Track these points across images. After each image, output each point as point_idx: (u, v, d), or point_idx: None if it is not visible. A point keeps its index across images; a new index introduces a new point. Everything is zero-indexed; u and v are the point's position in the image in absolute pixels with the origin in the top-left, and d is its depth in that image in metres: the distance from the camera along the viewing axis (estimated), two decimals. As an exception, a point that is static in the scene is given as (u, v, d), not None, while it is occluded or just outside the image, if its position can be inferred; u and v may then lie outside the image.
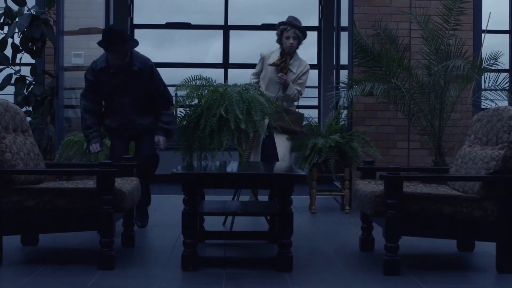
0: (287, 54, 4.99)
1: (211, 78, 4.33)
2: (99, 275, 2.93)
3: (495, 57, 5.65)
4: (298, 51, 5.10)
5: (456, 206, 3.00)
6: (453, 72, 5.41)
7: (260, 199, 4.60)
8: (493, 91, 5.91)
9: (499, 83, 5.87)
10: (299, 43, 5.03)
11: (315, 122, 5.49)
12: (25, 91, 5.86)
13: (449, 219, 3.01)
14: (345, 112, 5.53)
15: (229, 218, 4.43)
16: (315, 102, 8.29)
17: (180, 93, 4.19)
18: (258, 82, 5.09)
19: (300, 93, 5.05)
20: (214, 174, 3.18)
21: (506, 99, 5.91)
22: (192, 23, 8.14)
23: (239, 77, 8.27)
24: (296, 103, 5.32)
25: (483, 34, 6.18)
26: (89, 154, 4.57)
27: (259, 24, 8.24)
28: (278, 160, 4.87)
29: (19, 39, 5.78)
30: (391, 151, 6.20)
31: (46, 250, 3.54)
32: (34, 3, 6.14)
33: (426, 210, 3.01)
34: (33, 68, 5.94)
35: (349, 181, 5.16)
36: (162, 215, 4.83)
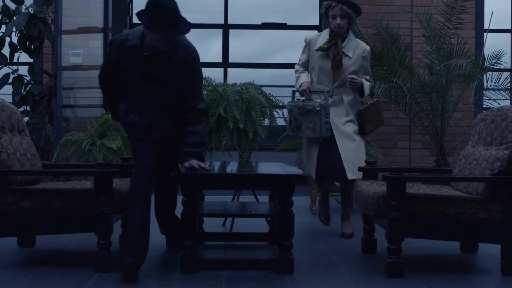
0: (337, 35, 3.92)
1: (210, 78, 4.28)
2: (97, 277, 2.88)
3: (497, 56, 5.61)
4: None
5: (460, 207, 2.95)
6: (455, 71, 5.36)
7: (260, 200, 4.55)
8: (496, 91, 5.86)
9: (502, 83, 5.83)
10: (351, 22, 3.93)
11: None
12: (23, 91, 5.81)
13: (453, 221, 2.96)
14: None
15: (229, 219, 4.38)
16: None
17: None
18: (307, 73, 4.07)
19: (370, 81, 4.06)
20: (213, 174, 3.13)
21: (509, 98, 5.87)
22: (192, 22, 8.09)
23: (239, 76, 8.22)
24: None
25: (485, 33, 6.13)
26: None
27: (259, 23, 8.18)
28: (345, 175, 3.86)
29: (17, 38, 5.73)
30: (392, 151, 6.16)
31: (43, 252, 3.49)
32: (31, 2, 6.09)
33: (430, 211, 2.95)
34: (31, 67, 5.90)
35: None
36: (161, 216, 4.78)
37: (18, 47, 5.76)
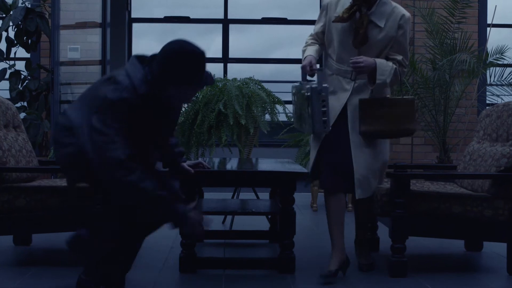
0: (362, 2, 2.83)
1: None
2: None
3: (501, 51, 5.54)
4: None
5: (466, 205, 2.88)
6: (458, 67, 5.29)
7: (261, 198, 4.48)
8: (499, 86, 5.79)
9: (505, 78, 5.75)
10: None
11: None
12: (20, 86, 5.73)
13: (459, 219, 2.89)
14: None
15: (229, 217, 4.31)
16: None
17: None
18: (317, 48, 2.99)
19: (403, 64, 2.91)
20: (213, 171, 3.06)
21: (512, 94, 5.80)
22: (191, 16, 8.01)
23: (240, 72, 8.15)
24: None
25: (488, 28, 6.06)
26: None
27: (260, 18, 8.11)
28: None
29: (13, 32, 5.66)
30: (394, 147, 6.08)
31: (39, 250, 3.43)
32: (28, -4, 6.01)
33: (435, 209, 2.89)
34: (28, 62, 5.82)
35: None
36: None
37: (15, 41, 5.69)
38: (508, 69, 5.84)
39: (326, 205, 2.94)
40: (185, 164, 2.69)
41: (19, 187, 2.98)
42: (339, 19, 2.85)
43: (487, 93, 5.93)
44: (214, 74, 4.18)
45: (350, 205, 5.06)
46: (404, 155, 6.04)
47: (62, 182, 3.20)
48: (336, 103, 2.88)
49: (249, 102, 3.95)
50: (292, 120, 4.18)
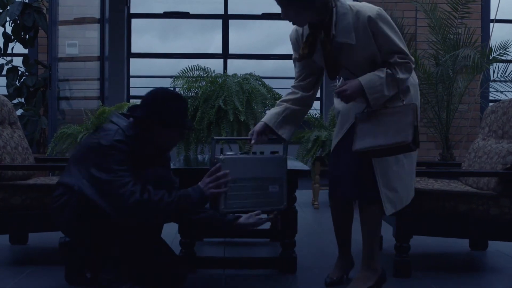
0: (318, 27, 2.42)
1: (209, 68, 4.14)
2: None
3: (505, 47, 5.47)
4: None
5: (472, 203, 2.81)
6: (462, 62, 5.22)
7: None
8: (502, 82, 5.73)
9: (508, 74, 5.69)
10: (299, 10, 2.35)
11: (318, 114, 5.31)
12: (17, 82, 5.68)
13: (464, 218, 2.82)
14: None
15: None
16: (317, 94, 8.10)
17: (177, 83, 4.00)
18: (284, 107, 2.60)
19: (399, 64, 2.39)
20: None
21: (516, 90, 5.74)
22: (191, 12, 7.94)
23: (241, 68, 8.08)
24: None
25: (491, 24, 5.99)
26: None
27: (260, 13, 8.03)
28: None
29: (10, 28, 5.59)
30: (396, 144, 6.02)
31: (35, 249, 3.36)
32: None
33: (440, 208, 2.82)
34: (26, 58, 5.77)
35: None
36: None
37: (12, 37, 5.63)
38: (511, 65, 5.79)
39: (333, 216, 2.75)
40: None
41: (14, 185, 2.92)
42: (301, 57, 2.47)
43: (490, 89, 5.86)
44: (214, 70, 4.12)
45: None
46: (406, 152, 5.98)
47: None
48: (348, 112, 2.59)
49: (250, 98, 3.87)
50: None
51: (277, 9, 2.44)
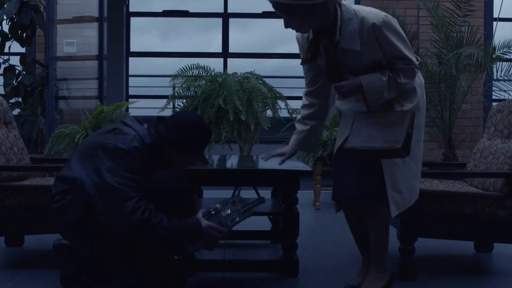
0: (321, 32, 2.40)
1: (209, 67, 4.08)
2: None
3: (508, 45, 5.41)
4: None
5: (477, 205, 2.75)
6: (465, 61, 5.15)
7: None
8: (506, 81, 5.67)
9: (512, 73, 5.63)
10: (301, 19, 2.34)
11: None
12: (14, 81, 5.61)
13: (470, 219, 2.75)
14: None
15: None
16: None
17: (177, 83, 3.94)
18: (314, 100, 2.66)
19: (403, 71, 2.39)
20: (212, 170, 2.92)
21: (519, 89, 5.68)
22: (191, 10, 7.87)
23: (241, 68, 8.01)
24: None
25: (494, 22, 5.92)
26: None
27: (260, 12, 7.96)
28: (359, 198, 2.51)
29: (7, 26, 5.52)
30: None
31: (31, 252, 3.30)
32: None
33: (445, 209, 2.75)
34: (23, 57, 5.70)
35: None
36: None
37: (9, 36, 5.56)
38: (515, 64, 5.72)
39: (348, 222, 2.69)
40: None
41: (9, 186, 2.85)
42: (304, 61, 2.50)
43: (494, 88, 5.80)
44: (214, 69, 4.05)
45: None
46: (408, 152, 5.92)
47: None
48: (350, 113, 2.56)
49: (250, 98, 3.81)
50: (294, 116, 4.05)
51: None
